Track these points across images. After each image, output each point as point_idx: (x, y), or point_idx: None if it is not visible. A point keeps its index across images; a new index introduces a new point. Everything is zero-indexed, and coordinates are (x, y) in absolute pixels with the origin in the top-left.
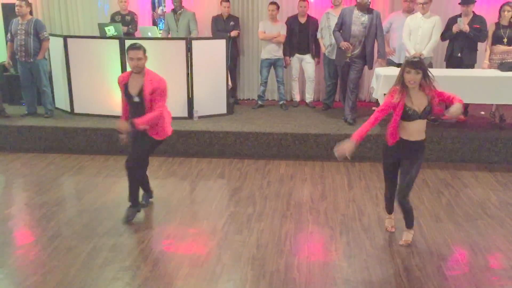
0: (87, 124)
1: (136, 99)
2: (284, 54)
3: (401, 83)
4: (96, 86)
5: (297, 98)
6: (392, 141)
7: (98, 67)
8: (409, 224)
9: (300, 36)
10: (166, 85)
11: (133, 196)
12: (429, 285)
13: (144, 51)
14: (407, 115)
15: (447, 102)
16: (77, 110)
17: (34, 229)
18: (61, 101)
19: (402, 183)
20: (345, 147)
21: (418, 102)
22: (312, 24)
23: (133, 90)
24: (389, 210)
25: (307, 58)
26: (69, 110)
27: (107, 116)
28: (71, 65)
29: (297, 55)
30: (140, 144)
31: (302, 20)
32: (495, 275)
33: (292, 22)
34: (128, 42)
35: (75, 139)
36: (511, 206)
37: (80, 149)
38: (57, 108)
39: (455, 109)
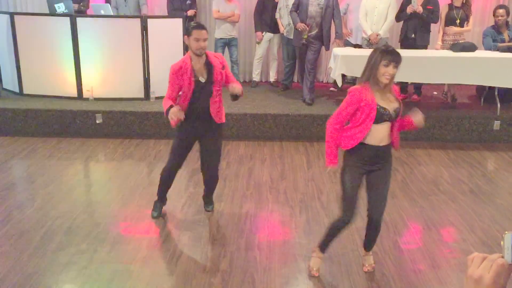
0: (38, 105)
1: (202, 81)
2: (256, 30)
3: (373, 78)
4: (46, 65)
5: (257, 78)
6: (352, 145)
7: (48, 46)
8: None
9: (273, 14)
10: None
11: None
12: (386, 259)
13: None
14: (380, 116)
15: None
16: (26, 91)
17: None
18: (9, 82)
19: (378, 200)
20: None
21: (388, 100)
22: None
23: (202, 74)
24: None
25: (277, 37)
26: (17, 90)
27: (59, 97)
28: (19, 44)
29: (267, 33)
30: (216, 139)
31: None
32: (448, 248)
33: None
34: (79, 20)
35: (25, 121)
36: (462, 183)
37: (30, 131)
38: (4, 89)
39: (419, 119)
